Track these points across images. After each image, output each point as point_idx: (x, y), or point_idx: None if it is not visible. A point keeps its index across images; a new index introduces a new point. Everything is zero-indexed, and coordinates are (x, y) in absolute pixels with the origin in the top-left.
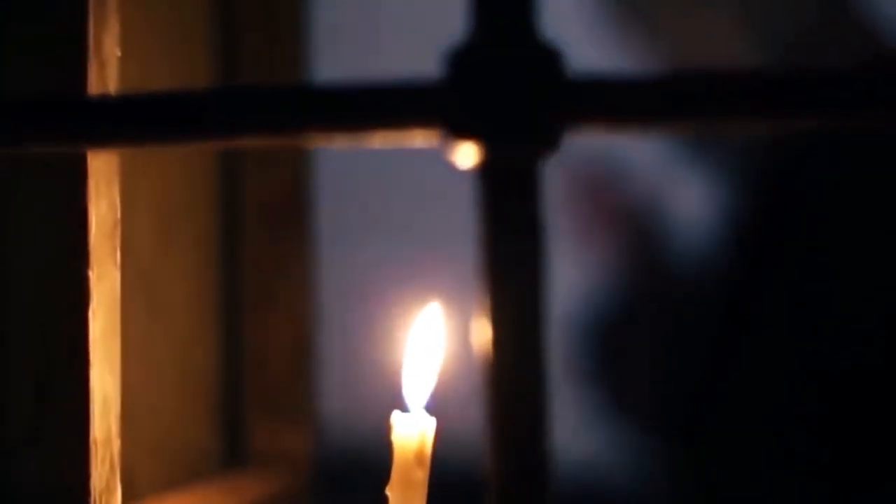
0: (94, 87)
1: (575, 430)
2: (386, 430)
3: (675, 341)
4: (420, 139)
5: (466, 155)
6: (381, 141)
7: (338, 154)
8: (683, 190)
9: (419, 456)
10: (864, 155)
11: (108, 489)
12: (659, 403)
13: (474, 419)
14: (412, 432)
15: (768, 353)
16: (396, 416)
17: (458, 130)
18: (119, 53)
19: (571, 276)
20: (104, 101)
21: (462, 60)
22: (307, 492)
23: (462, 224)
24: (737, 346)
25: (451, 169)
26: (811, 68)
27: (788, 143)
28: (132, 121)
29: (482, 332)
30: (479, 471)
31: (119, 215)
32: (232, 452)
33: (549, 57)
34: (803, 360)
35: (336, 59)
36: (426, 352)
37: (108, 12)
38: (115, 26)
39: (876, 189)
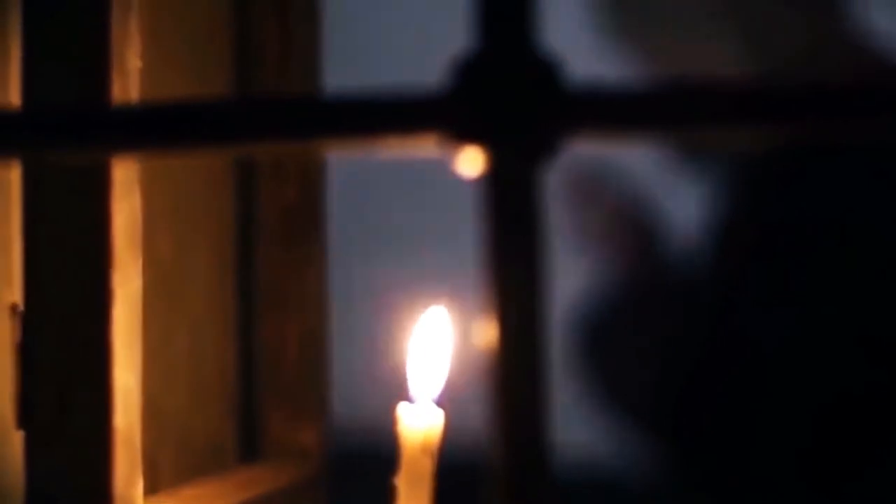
0: (116, 96)
1: (576, 423)
2: (393, 422)
3: (667, 339)
4: (427, 145)
5: (471, 160)
6: (389, 147)
7: (348, 162)
8: (678, 191)
9: (427, 446)
10: (858, 161)
11: (130, 480)
12: (651, 399)
13: (476, 412)
14: (420, 424)
15: (761, 352)
16: (404, 408)
17: (463, 135)
18: (140, 64)
19: (572, 276)
20: (125, 111)
21: (467, 70)
22: (320, 483)
23: (466, 227)
24: (729, 344)
25: (456, 177)
26: (805, 80)
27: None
28: (152, 130)
29: (486, 331)
30: (483, 460)
31: (140, 220)
32: (248, 446)
33: (548, 67)
34: (796, 359)
35: (345, 65)
36: (433, 349)
37: (130, 25)
38: (137, 38)
39: (867, 195)
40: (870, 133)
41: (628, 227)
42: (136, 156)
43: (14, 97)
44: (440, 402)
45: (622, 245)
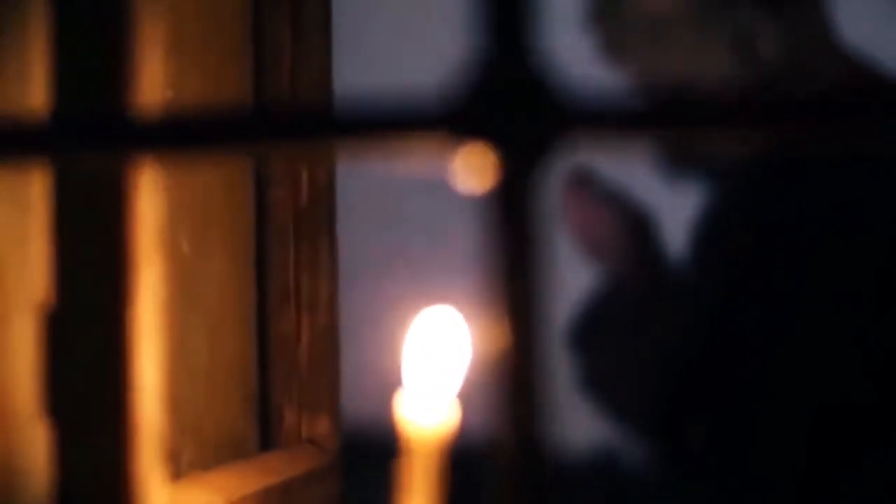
0: (140, 100)
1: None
2: (398, 412)
3: (659, 341)
4: (433, 145)
5: (473, 161)
6: (398, 148)
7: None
8: (676, 193)
9: (435, 443)
10: (854, 163)
11: (153, 469)
12: (644, 401)
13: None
14: (429, 421)
15: (753, 353)
16: (411, 404)
17: (468, 136)
18: (161, 73)
19: (579, 275)
20: (148, 118)
21: (471, 76)
22: (333, 471)
23: (469, 225)
24: (723, 346)
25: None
26: (787, 89)
27: (771, 167)
28: (173, 136)
29: (489, 324)
30: (479, 453)
31: (162, 222)
32: (264, 437)
33: (547, 74)
34: (785, 363)
35: (354, 67)
36: (443, 348)
37: (155, 34)
38: (161, 46)
39: (864, 197)
40: (853, 139)
41: (619, 228)
42: (157, 160)
43: (35, 98)
44: (455, 399)
45: (613, 247)
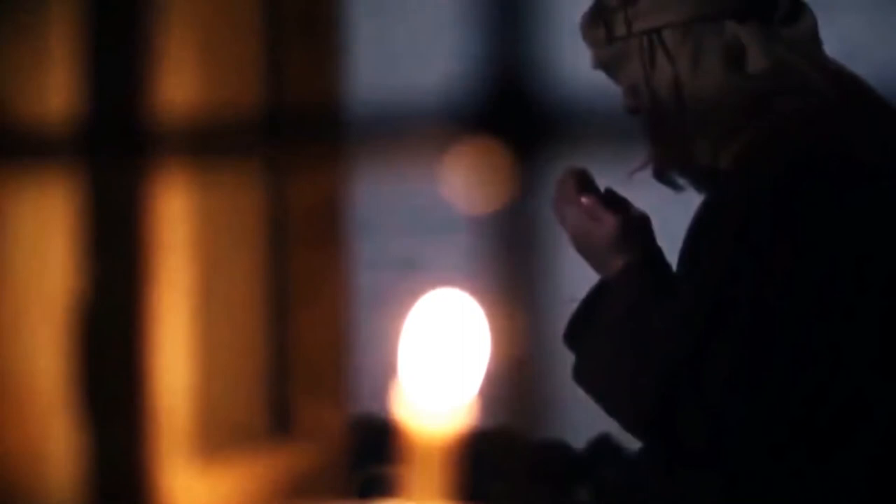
0: (160, 106)
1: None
2: (400, 408)
3: (653, 341)
4: (437, 150)
5: (478, 164)
6: (406, 152)
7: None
8: (674, 195)
9: (440, 438)
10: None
11: (172, 458)
12: (638, 402)
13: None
14: (437, 414)
15: (748, 356)
16: (417, 396)
17: (471, 140)
18: (178, 80)
19: (576, 275)
20: (168, 125)
21: (475, 85)
22: (344, 463)
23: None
24: (715, 347)
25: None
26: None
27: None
28: (194, 140)
29: (491, 326)
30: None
31: (185, 222)
32: (278, 427)
33: (544, 84)
34: (782, 363)
35: (368, 68)
36: (454, 337)
37: (177, 43)
38: (182, 55)
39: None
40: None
41: (615, 228)
42: (176, 164)
43: (55, 100)
44: (469, 396)
45: (608, 246)
